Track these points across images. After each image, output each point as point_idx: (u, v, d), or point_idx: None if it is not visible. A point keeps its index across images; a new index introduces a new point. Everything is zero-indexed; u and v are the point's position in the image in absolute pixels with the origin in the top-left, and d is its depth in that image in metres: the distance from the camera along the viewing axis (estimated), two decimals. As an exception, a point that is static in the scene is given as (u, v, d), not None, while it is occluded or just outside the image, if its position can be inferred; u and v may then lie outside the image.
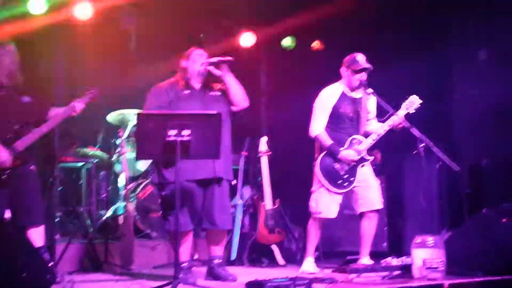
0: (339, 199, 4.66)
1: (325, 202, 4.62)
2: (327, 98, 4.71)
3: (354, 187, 4.64)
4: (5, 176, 4.09)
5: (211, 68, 4.24)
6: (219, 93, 4.34)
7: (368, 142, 4.64)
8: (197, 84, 4.33)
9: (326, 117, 4.68)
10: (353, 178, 4.63)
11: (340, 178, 4.62)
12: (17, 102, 4.21)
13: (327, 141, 4.63)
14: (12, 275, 3.83)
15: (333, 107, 4.67)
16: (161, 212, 4.40)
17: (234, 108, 4.32)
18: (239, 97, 4.29)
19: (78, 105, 4.28)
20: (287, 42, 6.76)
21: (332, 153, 4.61)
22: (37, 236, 4.19)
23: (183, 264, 4.15)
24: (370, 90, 4.71)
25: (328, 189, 4.62)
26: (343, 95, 4.72)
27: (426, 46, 6.10)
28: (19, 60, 4.28)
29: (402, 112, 4.63)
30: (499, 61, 5.78)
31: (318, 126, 4.68)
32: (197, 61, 4.28)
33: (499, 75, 5.72)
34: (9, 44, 4.30)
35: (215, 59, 4.25)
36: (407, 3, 5.97)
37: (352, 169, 4.63)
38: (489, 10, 5.77)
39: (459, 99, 6.12)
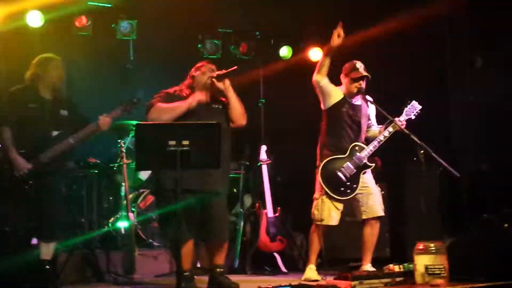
0: (341, 206, 4.67)
1: (327, 209, 4.63)
2: (335, 88, 4.71)
3: (356, 194, 4.64)
4: (28, 186, 4.11)
5: (215, 81, 4.29)
6: (221, 107, 4.38)
7: (369, 149, 4.66)
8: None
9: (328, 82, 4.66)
10: (355, 185, 4.64)
11: (343, 185, 4.62)
12: (54, 114, 4.28)
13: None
14: (15, 286, 3.84)
15: (334, 104, 4.67)
16: (158, 222, 4.40)
17: (231, 125, 4.36)
18: (238, 113, 4.34)
19: (103, 120, 4.29)
20: (284, 52, 6.80)
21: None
22: (46, 249, 4.19)
23: (185, 273, 4.15)
24: (369, 97, 4.76)
25: (330, 196, 4.63)
26: (343, 100, 4.74)
27: (423, 53, 6.11)
28: (64, 75, 4.36)
29: (403, 118, 4.65)
30: (496, 66, 5.79)
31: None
32: (206, 74, 4.35)
33: (496, 80, 5.72)
34: (56, 59, 4.37)
35: (221, 72, 4.31)
36: (402, 11, 5.99)
37: (355, 176, 4.63)
38: (484, 15, 5.79)
39: (456, 105, 6.13)
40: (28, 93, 4.28)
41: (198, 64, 4.45)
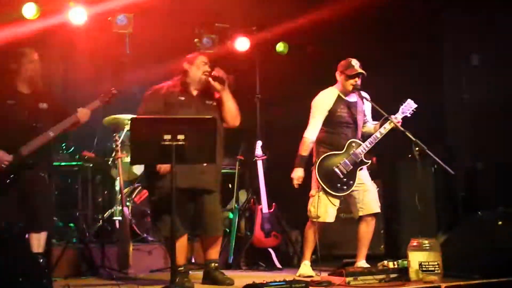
0: (337, 202, 4.68)
1: (323, 206, 4.63)
2: (323, 101, 4.74)
3: (352, 190, 4.65)
4: (10, 180, 4.11)
5: (211, 80, 4.27)
6: (215, 103, 4.36)
7: (366, 145, 4.66)
8: (194, 91, 4.36)
9: (322, 120, 4.70)
10: (352, 182, 4.64)
11: (339, 181, 4.63)
12: (34, 108, 4.27)
13: (302, 151, 4.68)
14: (9, 280, 3.83)
15: (329, 110, 4.69)
16: (151, 218, 4.41)
17: (224, 125, 4.36)
18: (232, 115, 4.34)
19: (81, 112, 4.30)
20: (280, 47, 6.79)
21: (296, 163, 4.67)
22: (37, 241, 4.20)
23: (180, 268, 4.15)
24: (364, 94, 4.76)
25: (327, 192, 4.63)
26: (338, 98, 4.75)
27: (418, 51, 6.12)
28: (40, 68, 4.33)
29: (399, 116, 4.66)
30: (491, 65, 5.80)
31: (311, 130, 4.70)
32: (200, 68, 4.32)
33: (491, 79, 5.73)
34: (32, 53, 4.35)
35: (217, 74, 4.28)
36: (399, 9, 6.00)
37: (351, 173, 4.64)
38: (480, 14, 5.81)
39: (451, 102, 6.15)
40: (5, 90, 4.30)
41: (190, 56, 4.40)
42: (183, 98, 4.29)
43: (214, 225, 4.30)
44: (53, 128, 4.25)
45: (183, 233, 4.21)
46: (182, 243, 4.21)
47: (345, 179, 4.63)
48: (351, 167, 4.63)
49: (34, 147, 4.20)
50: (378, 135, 4.66)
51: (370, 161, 4.71)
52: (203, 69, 4.31)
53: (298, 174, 4.66)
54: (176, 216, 3.92)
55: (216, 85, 4.28)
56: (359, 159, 4.65)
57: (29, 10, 5.57)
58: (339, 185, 4.63)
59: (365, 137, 4.78)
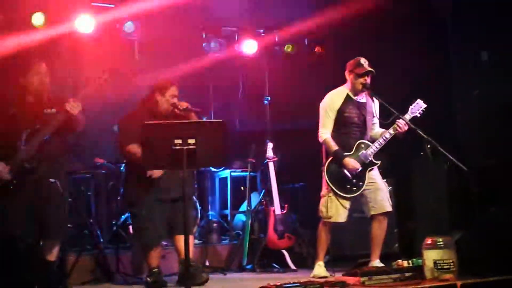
0: (348, 203, 4.66)
1: (334, 207, 4.62)
2: (332, 102, 4.73)
3: (363, 190, 4.63)
4: (12, 187, 4.07)
5: (177, 111, 4.50)
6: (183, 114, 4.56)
7: (375, 146, 4.64)
8: (164, 117, 4.54)
9: (332, 121, 4.70)
10: (361, 183, 4.63)
11: (349, 182, 4.62)
12: (39, 113, 4.22)
13: (333, 147, 4.64)
14: (24, 288, 3.86)
15: (338, 110, 4.68)
16: (132, 227, 4.61)
17: None
18: None
19: (70, 103, 4.15)
20: (288, 48, 6.80)
21: (337, 159, 4.62)
22: (50, 251, 4.20)
23: (155, 269, 4.44)
24: (374, 93, 4.74)
25: (337, 194, 4.61)
26: (347, 98, 4.73)
27: (427, 48, 6.09)
28: (47, 80, 4.31)
29: (408, 116, 4.64)
30: (501, 61, 5.76)
31: (324, 131, 4.69)
32: (169, 101, 4.54)
33: (501, 75, 5.69)
34: (40, 65, 4.32)
35: (184, 106, 4.47)
36: (406, 7, 5.98)
37: (361, 174, 4.62)
38: (488, 10, 5.77)
39: (462, 100, 6.11)
40: (11, 100, 4.27)
41: (162, 85, 4.57)
42: None
43: (189, 226, 4.49)
44: (43, 129, 4.13)
45: (163, 239, 4.57)
46: (159, 249, 4.56)
47: (354, 181, 4.61)
48: (360, 168, 4.61)
49: (30, 150, 4.08)
50: (387, 135, 4.64)
51: (379, 162, 4.69)
52: (172, 102, 4.53)
53: (351, 163, 4.60)
54: (159, 225, 4.38)
55: (183, 114, 4.51)
56: (368, 160, 4.63)
57: (38, 20, 5.62)
58: (348, 186, 4.62)
59: (373, 139, 4.74)
